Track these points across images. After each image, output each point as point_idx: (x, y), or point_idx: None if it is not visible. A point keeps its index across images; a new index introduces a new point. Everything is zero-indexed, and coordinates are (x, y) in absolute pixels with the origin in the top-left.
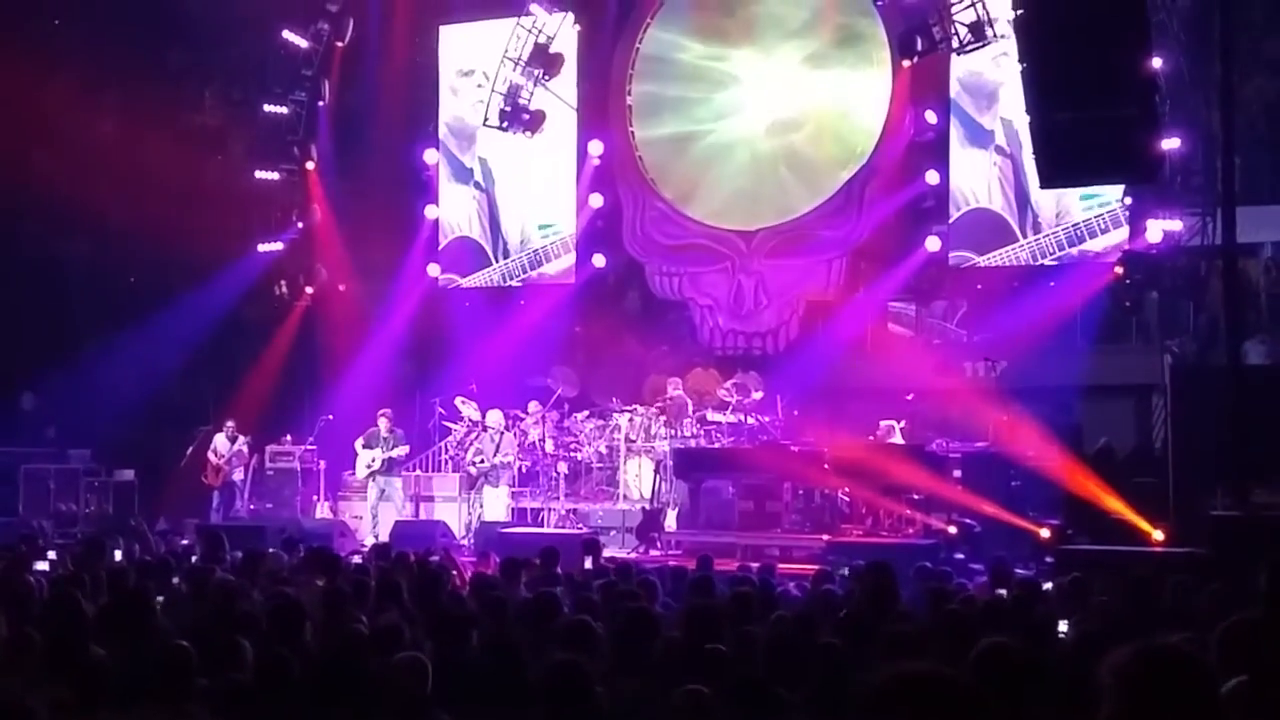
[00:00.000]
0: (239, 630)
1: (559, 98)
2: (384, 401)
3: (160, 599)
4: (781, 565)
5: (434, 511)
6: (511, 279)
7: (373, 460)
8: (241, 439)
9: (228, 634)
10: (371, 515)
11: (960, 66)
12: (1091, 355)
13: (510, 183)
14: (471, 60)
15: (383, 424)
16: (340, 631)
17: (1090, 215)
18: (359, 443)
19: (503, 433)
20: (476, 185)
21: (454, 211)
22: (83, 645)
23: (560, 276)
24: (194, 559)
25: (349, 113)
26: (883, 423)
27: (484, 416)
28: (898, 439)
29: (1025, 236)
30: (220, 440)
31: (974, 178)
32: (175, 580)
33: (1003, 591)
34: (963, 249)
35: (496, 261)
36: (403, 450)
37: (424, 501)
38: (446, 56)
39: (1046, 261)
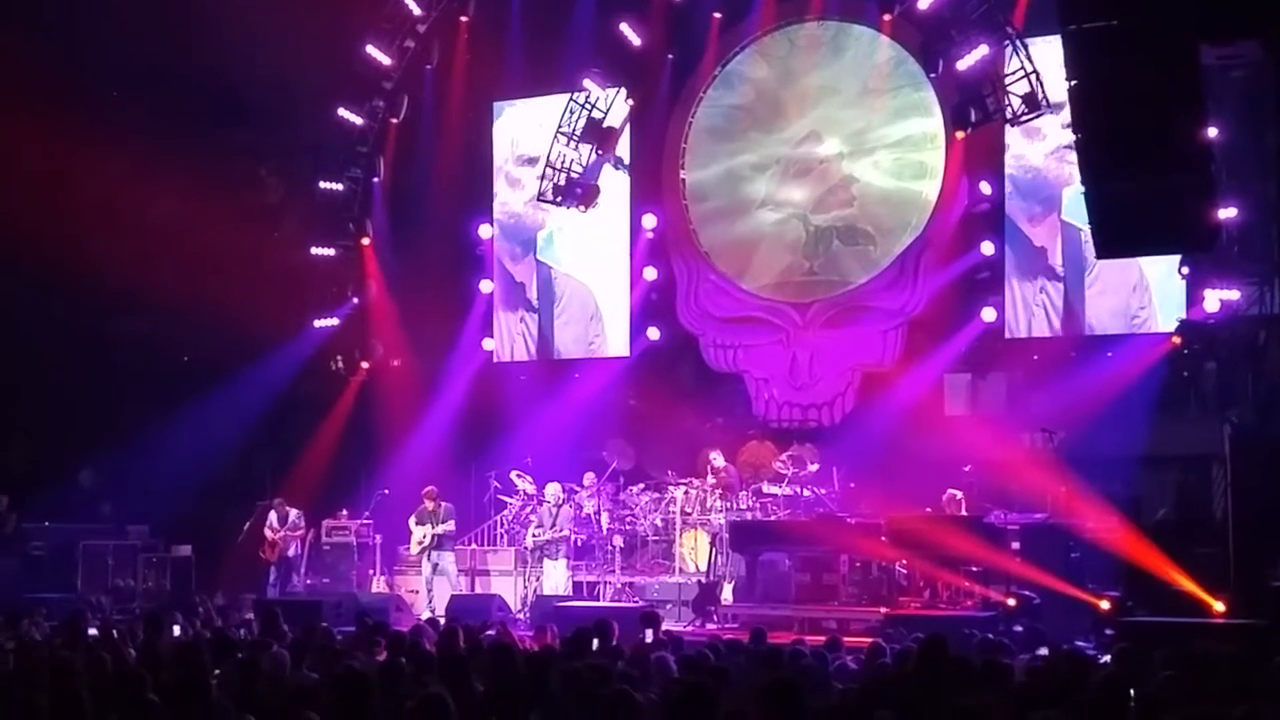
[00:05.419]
0: (298, 705)
1: (622, 167)
2: (439, 476)
3: (217, 673)
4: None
5: (490, 586)
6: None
7: (424, 536)
8: (295, 513)
9: (286, 709)
10: (426, 590)
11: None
12: (1150, 425)
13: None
14: (529, 143)
15: (428, 502)
16: (397, 706)
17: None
18: (412, 520)
19: (560, 506)
20: (528, 306)
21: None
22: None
23: (614, 350)
24: (245, 634)
25: (404, 189)
26: (949, 490)
27: (540, 490)
28: (962, 509)
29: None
30: (276, 515)
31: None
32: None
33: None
34: None
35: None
36: (449, 526)
37: (479, 576)
38: (501, 134)
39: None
